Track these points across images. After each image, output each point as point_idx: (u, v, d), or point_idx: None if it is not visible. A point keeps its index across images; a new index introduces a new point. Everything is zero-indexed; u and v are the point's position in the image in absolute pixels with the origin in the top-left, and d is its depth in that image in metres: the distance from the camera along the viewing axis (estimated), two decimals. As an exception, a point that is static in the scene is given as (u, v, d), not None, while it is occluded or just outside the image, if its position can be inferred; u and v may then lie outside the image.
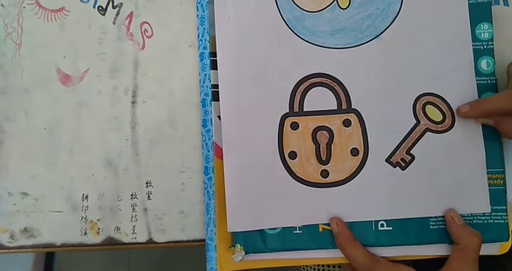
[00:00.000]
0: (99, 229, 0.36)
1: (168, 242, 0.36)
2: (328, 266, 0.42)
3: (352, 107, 0.34)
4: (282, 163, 0.34)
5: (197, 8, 0.36)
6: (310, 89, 0.34)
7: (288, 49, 0.35)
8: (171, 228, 0.36)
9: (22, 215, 0.36)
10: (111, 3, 0.37)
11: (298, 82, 0.34)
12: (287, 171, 0.34)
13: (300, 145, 0.34)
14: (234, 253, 0.33)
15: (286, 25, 0.35)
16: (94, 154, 0.36)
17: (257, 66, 0.34)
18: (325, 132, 0.34)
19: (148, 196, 0.36)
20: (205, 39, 0.36)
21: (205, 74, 0.36)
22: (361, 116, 0.34)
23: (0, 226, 0.36)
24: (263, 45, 0.35)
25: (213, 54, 0.35)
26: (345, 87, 0.34)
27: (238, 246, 0.33)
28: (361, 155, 0.34)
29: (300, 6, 0.35)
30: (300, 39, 0.35)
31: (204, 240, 0.35)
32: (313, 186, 0.34)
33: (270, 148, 0.34)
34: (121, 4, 0.37)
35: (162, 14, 0.37)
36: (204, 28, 0.36)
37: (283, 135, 0.34)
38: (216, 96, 0.35)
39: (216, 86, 0.35)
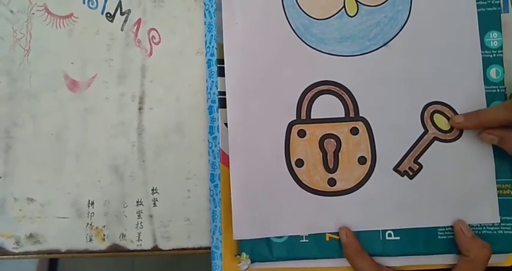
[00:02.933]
0: (104, 235, 0.36)
1: (173, 249, 0.36)
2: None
3: (360, 115, 0.34)
4: (289, 171, 0.34)
5: (205, 14, 0.36)
6: (318, 96, 0.34)
7: (296, 56, 0.34)
8: (176, 235, 0.36)
9: (28, 221, 0.36)
10: (119, 9, 0.37)
11: (305, 89, 0.34)
12: (294, 179, 0.34)
13: (307, 153, 0.34)
14: (239, 261, 0.33)
15: (294, 32, 0.35)
16: (100, 161, 0.36)
17: (264, 73, 0.34)
18: (332, 140, 0.34)
19: (154, 203, 0.36)
20: (213, 46, 0.36)
21: (212, 81, 0.36)
22: (369, 124, 0.34)
23: (6, 232, 0.36)
24: (270, 52, 0.35)
25: (221, 61, 0.35)
26: (353, 95, 0.34)
27: (244, 254, 0.33)
28: (369, 163, 0.34)
29: (308, 13, 0.35)
30: (308, 47, 0.35)
31: (209, 248, 0.35)
32: (320, 195, 0.33)
33: (276, 155, 0.34)
34: (129, 11, 0.37)
35: (169, 20, 0.37)
36: (212, 35, 0.36)
37: (290, 142, 0.34)
38: (223, 103, 0.35)
39: (223, 93, 0.35)
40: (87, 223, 0.36)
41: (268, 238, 0.33)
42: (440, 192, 0.33)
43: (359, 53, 0.34)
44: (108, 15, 0.37)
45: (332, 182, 0.33)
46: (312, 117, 0.34)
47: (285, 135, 0.34)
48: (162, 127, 0.37)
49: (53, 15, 0.37)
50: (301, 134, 0.34)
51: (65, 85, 0.37)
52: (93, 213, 0.36)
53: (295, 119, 0.34)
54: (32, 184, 0.36)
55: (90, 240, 0.36)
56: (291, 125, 0.34)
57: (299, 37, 0.35)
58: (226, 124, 0.34)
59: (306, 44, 0.35)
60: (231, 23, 0.35)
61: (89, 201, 0.36)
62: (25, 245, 0.36)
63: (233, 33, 0.35)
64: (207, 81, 0.36)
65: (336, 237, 0.33)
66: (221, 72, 0.35)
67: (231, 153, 0.34)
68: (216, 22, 0.36)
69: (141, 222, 0.36)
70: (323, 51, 0.35)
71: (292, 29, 0.35)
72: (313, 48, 0.35)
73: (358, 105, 0.34)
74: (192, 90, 0.37)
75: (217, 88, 0.35)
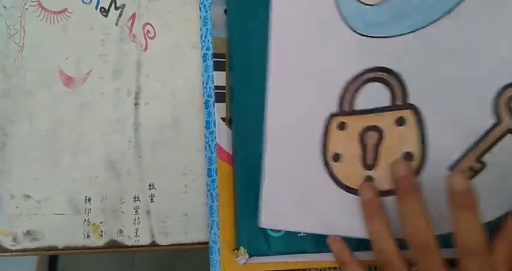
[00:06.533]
0: (101, 232, 0.36)
1: (171, 245, 0.36)
2: (335, 268, 0.42)
3: (409, 101, 0.29)
4: (324, 165, 0.31)
5: (200, 8, 0.36)
6: (362, 86, 0.30)
7: (343, 44, 0.31)
8: (174, 230, 0.36)
9: (25, 218, 0.36)
10: (113, 4, 0.37)
11: (350, 79, 0.31)
12: (328, 174, 0.31)
13: (346, 147, 0.30)
14: (237, 256, 0.33)
15: (341, 20, 0.31)
16: (97, 157, 0.36)
17: (308, 62, 0.31)
18: (374, 132, 0.29)
19: (151, 199, 0.36)
20: (208, 40, 0.35)
21: (208, 75, 0.35)
22: (420, 113, 0.28)
23: (3, 229, 0.36)
24: (316, 40, 0.31)
25: (216, 55, 0.35)
26: (401, 79, 0.29)
27: (242, 249, 0.33)
28: (418, 161, 0.29)
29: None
30: (355, 33, 0.31)
31: (207, 243, 0.35)
32: (355, 194, 0.30)
33: (313, 148, 0.31)
34: (123, 5, 0.37)
35: (164, 14, 0.37)
36: (207, 29, 0.35)
37: (328, 135, 0.31)
38: (219, 98, 0.34)
39: (219, 87, 0.34)
40: (85, 220, 0.36)
41: (266, 232, 0.33)
42: (503, 195, 0.28)
43: (414, 29, 0.28)
44: (103, 10, 0.37)
45: (369, 180, 0.30)
46: (354, 108, 0.30)
47: (323, 126, 0.31)
48: (158, 122, 0.36)
49: (46, 11, 0.37)
50: (342, 126, 0.30)
51: (60, 81, 0.37)
52: (90, 209, 0.36)
53: (337, 110, 0.31)
54: (28, 181, 0.36)
55: (88, 236, 0.36)
56: (331, 116, 0.31)
57: (346, 24, 0.31)
58: (222, 118, 0.34)
59: (353, 30, 0.31)
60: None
61: (86, 197, 0.36)
62: (23, 242, 0.36)
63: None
64: (203, 76, 0.36)
65: None
66: (217, 67, 0.35)
67: (268, 140, 0.31)
68: (211, 16, 0.35)
69: (138, 218, 0.36)
70: (371, 35, 0.30)
71: (341, 16, 0.31)
72: (360, 33, 0.30)
73: (408, 90, 0.28)
74: (188, 85, 0.37)
75: (213, 82, 0.35)
